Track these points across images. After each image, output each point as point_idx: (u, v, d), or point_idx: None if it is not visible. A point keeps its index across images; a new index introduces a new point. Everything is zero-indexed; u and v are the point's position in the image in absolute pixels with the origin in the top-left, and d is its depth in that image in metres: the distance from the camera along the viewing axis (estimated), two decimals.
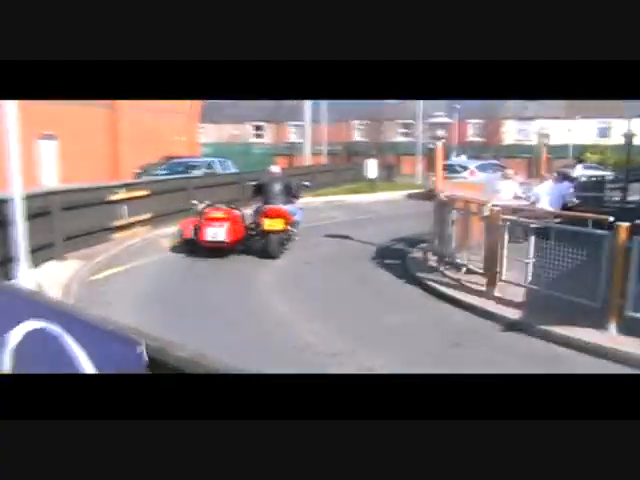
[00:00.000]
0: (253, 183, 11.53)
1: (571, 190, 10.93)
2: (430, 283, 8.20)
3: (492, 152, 35.97)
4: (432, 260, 9.39)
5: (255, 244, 10.67)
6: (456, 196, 8.87)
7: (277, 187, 10.95)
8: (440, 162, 10.61)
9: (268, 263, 9.98)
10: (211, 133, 41.54)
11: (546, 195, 10.30)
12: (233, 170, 19.87)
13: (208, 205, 10.91)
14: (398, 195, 22.34)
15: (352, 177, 26.13)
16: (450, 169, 19.07)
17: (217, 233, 10.27)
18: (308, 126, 26.34)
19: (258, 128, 44.05)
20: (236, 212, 10.89)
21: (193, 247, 10.44)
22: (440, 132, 10.42)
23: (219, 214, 10.61)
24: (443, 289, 7.84)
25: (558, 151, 32.50)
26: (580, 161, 31.24)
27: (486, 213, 7.58)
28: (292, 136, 41.56)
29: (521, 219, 7.59)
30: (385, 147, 37.83)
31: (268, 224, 10.37)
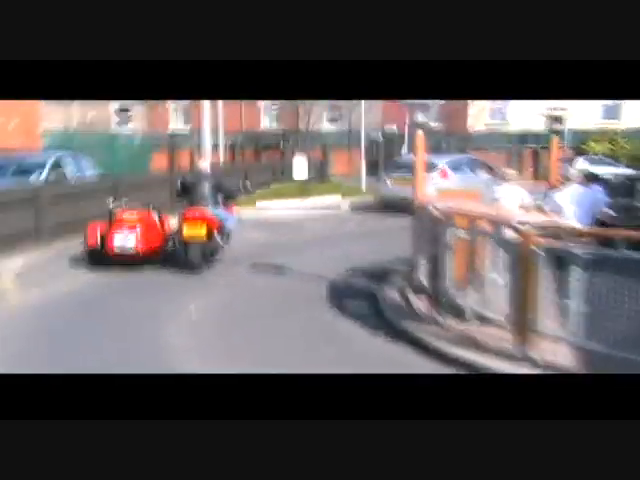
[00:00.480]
0: (178, 182, 12.84)
1: (604, 198, 10.80)
2: (426, 339, 7.79)
3: (454, 143, 36.51)
4: (418, 302, 9.01)
5: (176, 256, 11.68)
6: (455, 209, 8.49)
7: (205, 187, 11.96)
8: (421, 158, 10.23)
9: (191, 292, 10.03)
10: (56, 116, 39.94)
11: (573, 205, 9.95)
12: (93, 172, 18.24)
13: (119, 205, 11.88)
14: (335, 201, 22.89)
15: (268, 179, 26.19)
16: (402, 168, 19.46)
17: (126, 240, 11.03)
18: (206, 109, 25.29)
19: (123, 110, 43.13)
20: (154, 215, 11.94)
21: (94, 262, 11.33)
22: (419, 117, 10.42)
23: (131, 216, 11.48)
24: (450, 349, 7.41)
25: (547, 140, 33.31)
26: (580, 153, 31.04)
27: (510, 234, 7.26)
28: (175, 122, 41.12)
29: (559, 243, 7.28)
30: (307, 137, 37.93)
31: (187, 231, 11.18)
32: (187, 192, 12.04)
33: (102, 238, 11.19)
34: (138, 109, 42.89)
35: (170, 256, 11.62)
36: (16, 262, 11.54)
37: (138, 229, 11.23)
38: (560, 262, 7.02)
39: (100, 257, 11.21)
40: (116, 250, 11.02)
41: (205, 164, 13.22)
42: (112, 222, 11.35)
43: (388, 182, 20.48)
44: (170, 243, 11.74)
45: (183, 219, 11.30)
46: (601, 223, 9.71)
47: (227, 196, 12.30)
